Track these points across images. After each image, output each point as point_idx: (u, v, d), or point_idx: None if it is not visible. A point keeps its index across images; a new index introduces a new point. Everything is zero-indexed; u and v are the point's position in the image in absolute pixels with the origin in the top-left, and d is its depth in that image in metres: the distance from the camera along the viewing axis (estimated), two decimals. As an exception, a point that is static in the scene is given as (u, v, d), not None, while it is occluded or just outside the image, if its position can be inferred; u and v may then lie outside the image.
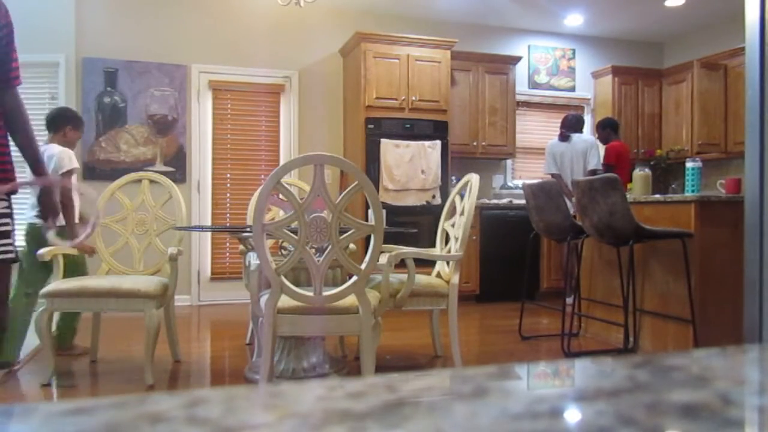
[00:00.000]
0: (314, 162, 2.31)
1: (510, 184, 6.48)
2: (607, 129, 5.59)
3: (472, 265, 5.54)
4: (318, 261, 2.37)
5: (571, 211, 3.89)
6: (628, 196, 3.33)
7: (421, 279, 3.04)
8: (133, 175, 3.52)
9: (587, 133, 6.02)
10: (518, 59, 6.23)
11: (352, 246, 3.41)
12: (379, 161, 5.31)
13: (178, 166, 5.46)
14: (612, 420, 0.32)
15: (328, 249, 2.35)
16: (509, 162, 6.50)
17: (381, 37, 5.46)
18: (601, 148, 5.67)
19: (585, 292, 4.16)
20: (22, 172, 2.33)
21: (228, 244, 5.63)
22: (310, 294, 2.39)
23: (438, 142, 5.46)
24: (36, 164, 2.24)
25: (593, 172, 5.06)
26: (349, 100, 5.77)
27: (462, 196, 3.22)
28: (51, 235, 2.52)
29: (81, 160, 5.22)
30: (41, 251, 3.04)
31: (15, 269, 2.71)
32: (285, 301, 2.42)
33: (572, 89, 6.77)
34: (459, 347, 3.07)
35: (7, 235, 2.09)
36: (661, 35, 6.87)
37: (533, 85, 6.61)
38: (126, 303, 2.85)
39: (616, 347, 3.73)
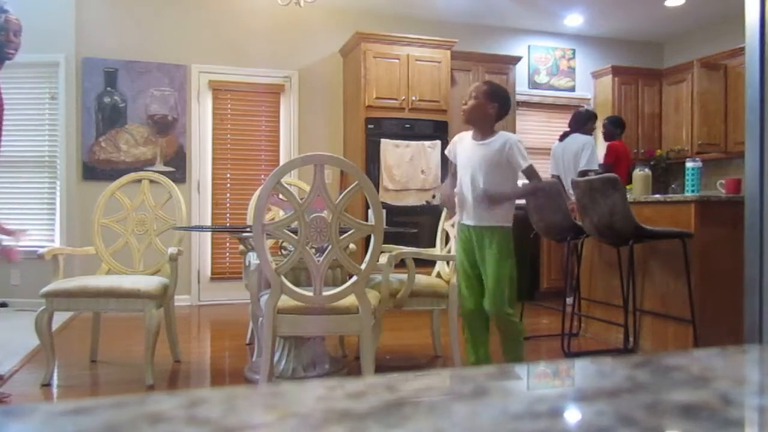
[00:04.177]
0: (314, 162, 2.31)
1: (510, 184, 6.46)
2: (618, 128, 5.62)
3: (472, 265, 5.53)
4: (318, 261, 2.37)
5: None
6: (628, 196, 3.32)
7: (421, 279, 3.04)
8: (133, 175, 3.52)
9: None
10: (518, 59, 6.23)
11: (352, 246, 3.41)
12: (379, 161, 5.31)
13: (178, 166, 5.46)
14: (612, 420, 0.32)
15: (328, 249, 2.35)
16: (509, 162, 6.48)
17: (381, 37, 5.46)
18: (600, 146, 5.66)
19: (585, 292, 4.15)
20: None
21: (228, 244, 5.63)
22: (310, 294, 2.39)
23: (438, 142, 5.46)
24: None
25: (584, 173, 5.01)
26: (349, 100, 5.77)
27: (462, 196, 3.22)
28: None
29: (81, 160, 5.23)
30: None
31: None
32: (285, 301, 2.42)
33: (572, 89, 6.77)
34: (459, 347, 3.07)
35: None
36: (661, 35, 6.87)
37: (533, 85, 6.61)
38: (126, 303, 2.85)
39: (616, 347, 3.73)
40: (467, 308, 2.81)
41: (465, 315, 2.83)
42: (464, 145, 2.80)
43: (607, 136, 5.59)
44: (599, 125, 5.96)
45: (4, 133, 2.85)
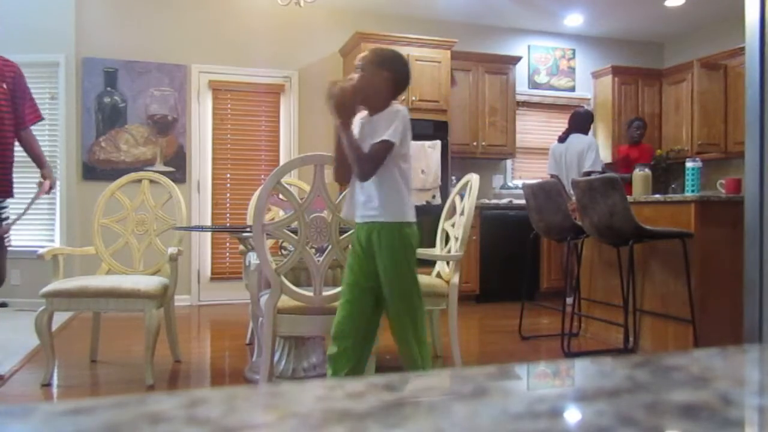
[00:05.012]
0: (314, 162, 2.31)
1: (510, 184, 6.47)
2: (645, 129, 5.76)
3: (472, 265, 5.53)
4: (318, 261, 2.37)
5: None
6: (627, 196, 3.32)
7: (421, 279, 3.03)
8: (133, 175, 3.52)
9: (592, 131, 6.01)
10: (518, 59, 6.23)
11: (352, 246, 3.41)
12: (379, 161, 5.30)
13: (178, 166, 5.45)
14: (612, 420, 0.32)
15: (328, 249, 2.35)
16: (509, 162, 6.50)
17: (381, 37, 5.46)
18: (603, 148, 5.66)
19: (585, 292, 4.15)
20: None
21: (228, 244, 5.63)
22: (310, 294, 2.39)
23: (438, 142, 5.46)
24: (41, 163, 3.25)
25: (588, 173, 5.03)
26: (349, 100, 5.76)
27: (462, 196, 3.22)
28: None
29: (81, 160, 5.23)
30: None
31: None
32: (285, 301, 2.42)
33: (572, 89, 6.76)
34: (459, 347, 3.07)
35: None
36: (661, 35, 6.87)
37: (533, 85, 6.61)
38: (126, 303, 2.85)
39: (616, 347, 3.73)
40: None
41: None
42: (357, 127, 2.19)
43: (641, 138, 5.67)
44: (605, 127, 5.98)
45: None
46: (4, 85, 2.94)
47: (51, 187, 3.24)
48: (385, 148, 2.05)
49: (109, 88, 5.30)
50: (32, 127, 3.22)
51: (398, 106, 2.16)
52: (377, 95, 2.16)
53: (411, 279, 2.16)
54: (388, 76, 2.16)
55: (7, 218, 3.09)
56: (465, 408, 0.35)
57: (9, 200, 3.14)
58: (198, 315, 5.09)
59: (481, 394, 0.37)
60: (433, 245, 3.58)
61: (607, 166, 5.54)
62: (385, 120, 2.10)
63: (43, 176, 3.22)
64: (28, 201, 3.13)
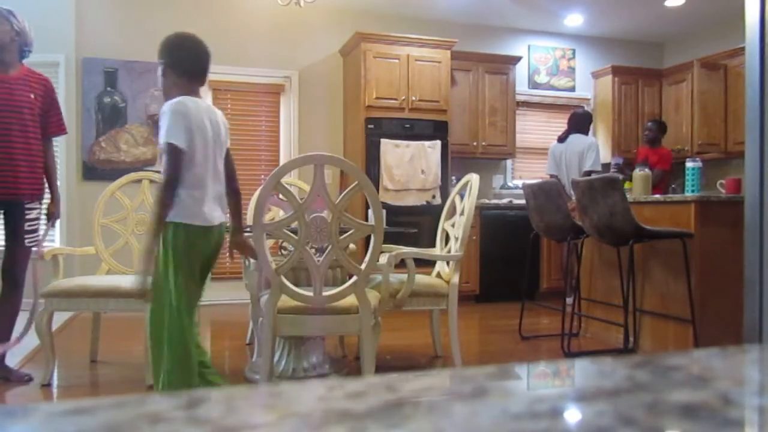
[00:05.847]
0: (314, 162, 2.31)
1: (510, 184, 6.47)
2: (663, 133, 5.70)
3: (472, 265, 5.53)
4: (318, 261, 2.37)
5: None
6: (628, 196, 3.32)
7: (421, 279, 3.04)
8: (133, 175, 3.52)
9: (592, 132, 6.01)
10: (518, 59, 6.23)
11: (352, 246, 3.41)
12: (379, 161, 5.31)
13: (178, 166, 5.45)
14: (612, 420, 0.32)
15: (328, 249, 2.35)
16: (509, 162, 6.49)
17: (381, 37, 5.46)
18: (603, 148, 5.65)
19: (585, 292, 4.15)
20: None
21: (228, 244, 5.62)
22: (310, 294, 2.39)
23: (438, 142, 5.46)
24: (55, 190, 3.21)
25: (588, 173, 5.03)
26: (349, 100, 5.77)
27: (462, 196, 3.22)
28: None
29: (81, 160, 5.23)
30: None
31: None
32: (285, 301, 2.42)
33: (572, 89, 6.76)
34: (459, 347, 3.07)
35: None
36: (661, 35, 6.87)
37: (533, 85, 6.61)
38: (126, 303, 2.85)
39: (616, 347, 3.73)
40: None
41: None
42: None
43: (655, 142, 5.63)
44: (605, 127, 5.97)
45: None
46: (32, 96, 3.00)
47: (55, 218, 3.14)
48: (168, 152, 1.96)
49: (109, 88, 5.30)
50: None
51: (176, 99, 2.01)
52: (164, 87, 2.11)
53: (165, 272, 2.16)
54: (162, 64, 2.11)
55: (36, 219, 3.03)
56: (465, 408, 0.35)
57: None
58: (198, 315, 5.08)
59: (481, 394, 0.37)
60: (433, 245, 3.58)
61: (664, 172, 5.57)
62: (161, 120, 1.98)
63: (49, 210, 3.12)
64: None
